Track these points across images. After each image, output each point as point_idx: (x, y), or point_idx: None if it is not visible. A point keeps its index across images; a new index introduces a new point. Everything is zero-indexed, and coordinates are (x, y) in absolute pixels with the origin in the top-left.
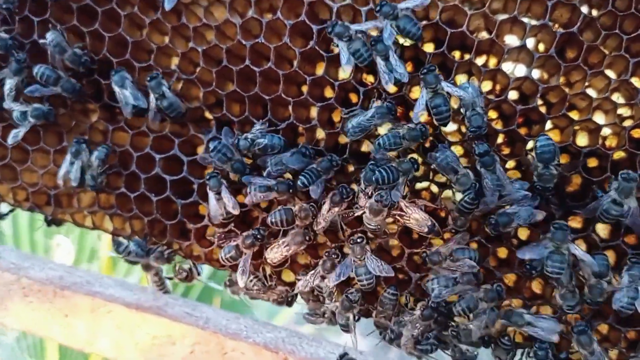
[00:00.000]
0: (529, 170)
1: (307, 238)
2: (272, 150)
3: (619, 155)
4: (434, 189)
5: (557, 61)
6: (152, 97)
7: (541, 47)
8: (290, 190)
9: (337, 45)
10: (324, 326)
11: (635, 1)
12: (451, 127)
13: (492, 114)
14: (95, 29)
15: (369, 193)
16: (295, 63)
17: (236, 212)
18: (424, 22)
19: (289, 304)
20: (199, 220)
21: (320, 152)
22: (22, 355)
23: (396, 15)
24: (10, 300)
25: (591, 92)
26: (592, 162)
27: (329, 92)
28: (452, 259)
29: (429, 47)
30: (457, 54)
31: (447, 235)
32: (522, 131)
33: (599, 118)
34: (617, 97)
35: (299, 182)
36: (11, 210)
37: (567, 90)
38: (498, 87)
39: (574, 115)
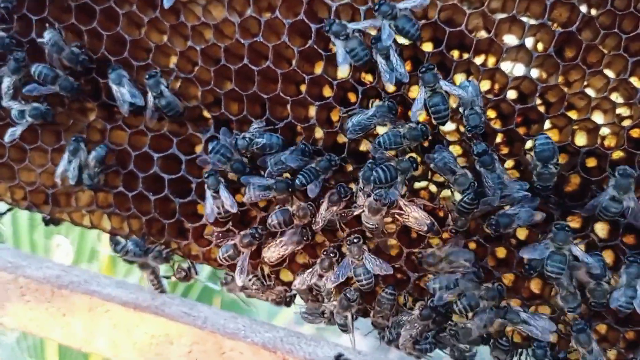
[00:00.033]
0: (528, 169)
1: (305, 238)
2: (271, 149)
3: (617, 154)
4: (433, 188)
5: (556, 60)
6: (150, 95)
7: (540, 46)
8: (289, 190)
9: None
10: (323, 326)
11: (634, 0)
12: (449, 126)
13: (491, 113)
14: (93, 27)
15: (368, 192)
16: (293, 62)
17: (234, 210)
18: (423, 21)
19: (288, 304)
20: (197, 219)
21: (319, 152)
22: (22, 356)
23: (395, 15)
24: (7, 299)
25: (590, 92)
26: (591, 162)
27: (327, 91)
28: (447, 261)
29: (427, 47)
30: (455, 53)
31: (445, 235)
32: (521, 130)
33: (598, 117)
34: (615, 97)
35: (297, 181)
36: (9, 210)
37: (565, 89)
38: (497, 87)
39: (573, 114)
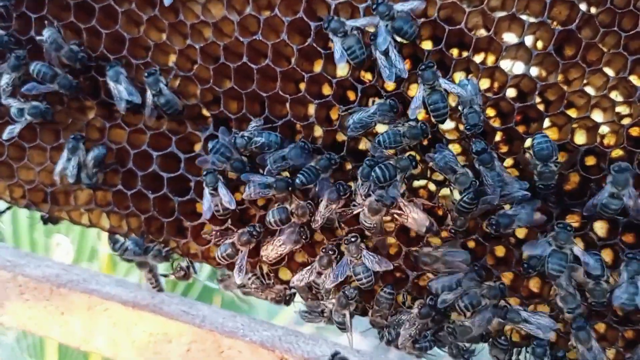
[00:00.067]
0: (528, 169)
1: (304, 237)
2: (269, 148)
3: (617, 153)
4: (432, 187)
5: (556, 59)
6: (149, 93)
7: (539, 44)
8: (289, 188)
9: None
10: (323, 326)
11: None
12: (448, 124)
13: (490, 112)
14: (92, 25)
15: (366, 191)
16: (293, 60)
17: (232, 206)
18: (422, 20)
19: (287, 302)
20: (196, 217)
21: (318, 150)
22: (22, 355)
23: (392, 16)
24: (6, 298)
25: (589, 90)
26: (590, 160)
27: (326, 90)
28: (442, 261)
29: (427, 45)
30: (455, 52)
31: (445, 234)
32: (520, 129)
33: (597, 116)
34: (615, 95)
35: (297, 180)
36: (8, 208)
37: (565, 87)
38: (496, 85)
39: (572, 113)
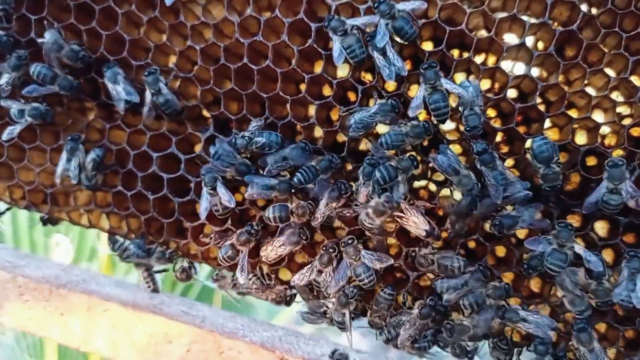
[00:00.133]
0: (529, 169)
1: (304, 238)
2: (270, 148)
3: (617, 153)
4: (432, 187)
5: (556, 59)
6: (148, 92)
7: (540, 45)
8: (292, 190)
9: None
10: (324, 326)
11: None
12: (449, 125)
13: (491, 112)
14: (92, 27)
15: (369, 193)
16: (293, 61)
17: (232, 205)
18: (423, 20)
19: (288, 303)
20: (196, 218)
21: (319, 151)
22: (21, 355)
23: (393, 15)
24: (5, 298)
25: (590, 91)
26: (591, 161)
27: (327, 91)
28: (437, 265)
29: (427, 46)
30: (455, 53)
31: (445, 235)
32: (521, 129)
33: (598, 116)
34: (616, 96)
35: (295, 179)
36: (8, 209)
37: (566, 88)
38: (497, 86)
39: (573, 113)
